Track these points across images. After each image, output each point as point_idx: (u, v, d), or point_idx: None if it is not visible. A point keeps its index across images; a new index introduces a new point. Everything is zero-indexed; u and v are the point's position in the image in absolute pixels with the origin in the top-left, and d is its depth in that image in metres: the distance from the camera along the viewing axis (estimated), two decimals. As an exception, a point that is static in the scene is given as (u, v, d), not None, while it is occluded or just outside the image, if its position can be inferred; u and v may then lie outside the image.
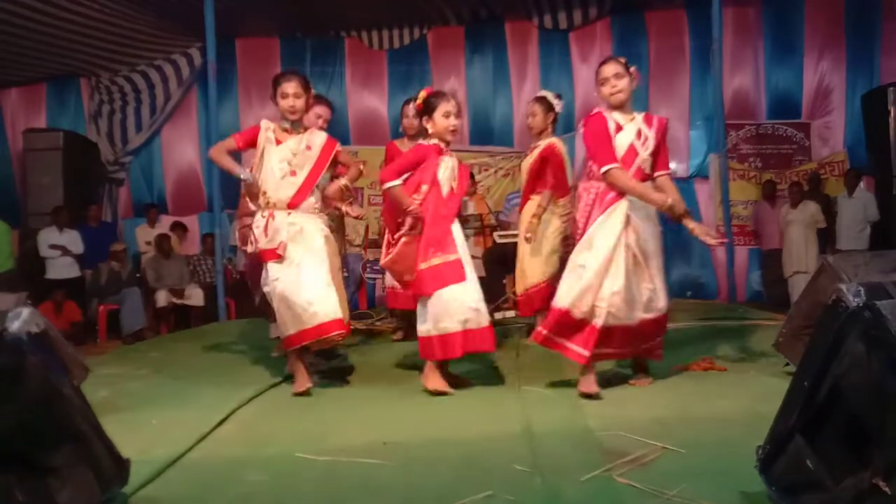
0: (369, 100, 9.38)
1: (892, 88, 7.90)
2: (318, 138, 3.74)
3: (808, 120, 9.04)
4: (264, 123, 3.71)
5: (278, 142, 3.65)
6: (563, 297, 3.33)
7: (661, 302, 3.42)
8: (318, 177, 3.69)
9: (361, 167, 3.94)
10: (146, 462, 2.34)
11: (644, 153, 3.39)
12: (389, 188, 3.53)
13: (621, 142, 3.39)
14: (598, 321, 3.25)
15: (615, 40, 9.04)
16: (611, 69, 3.41)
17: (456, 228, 3.61)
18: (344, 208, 3.97)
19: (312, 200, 3.68)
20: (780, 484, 1.82)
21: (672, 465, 2.29)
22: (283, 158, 3.63)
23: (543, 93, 4.82)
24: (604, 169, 3.34)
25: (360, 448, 2.59)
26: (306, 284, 3.53)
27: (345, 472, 2.38)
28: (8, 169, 9.12)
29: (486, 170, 9.01)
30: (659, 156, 3.48)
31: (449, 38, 9.30)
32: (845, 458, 1.61)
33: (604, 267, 3.26)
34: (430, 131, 3.62)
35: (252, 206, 3.74)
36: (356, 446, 2.62)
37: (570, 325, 3.31)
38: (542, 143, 4.65)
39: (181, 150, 9.45)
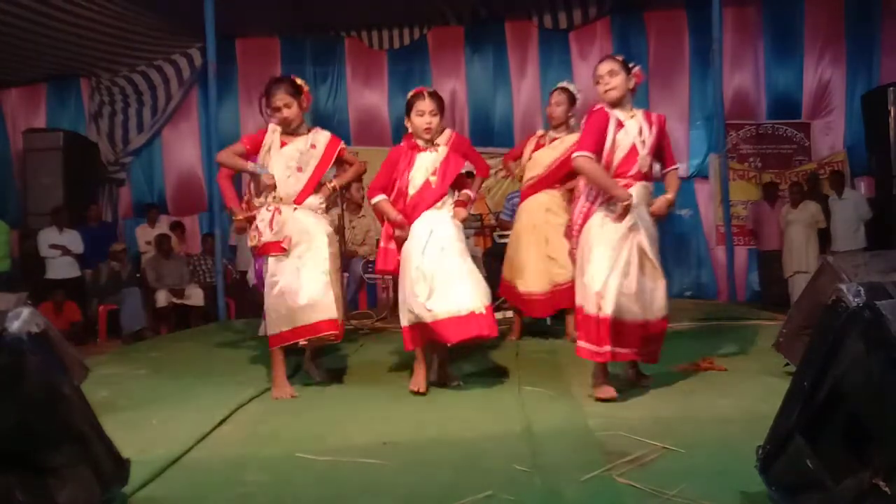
0: (369, 100, 9.37)
1: (892, 88, 7.91)
2: (323, 137, 3.76)
3: (808, 120, 9.04)
4: (271, 127, 3.74)
5: (283, 143, 3.69)
6: (579, 298, 3.30)
7: (664, 302, 3.34)
8: (322, 174, 3.72)
9: (365, 167, 3.96)
10: (146, 462, 2.34)
11: (643, 151, 3.35)
12: (375, 204, 3.70)
13: (623, 141, 3.33)
14: (608, 314, 3.13)
15: (615, 40, 9.03)
16: (605, 67, 3.39)
17: (431, 216, 3.57)
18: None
19: (317, 200, 3.71)
20: (780, 484, 1.82)
21: (672, 465, 2.29)
22: (290, 157, 3.66)
23: (566, 84, 4.79)
24: (575, 154, 3.30)
25: (360, 448, 2.59)
26: (305, 282, 3.54)
27: (345, 472, 2.38)
28: (8, 169, 9.12)
29: (487, 170, 8.99)
30: (664, 152, 3.49)
31: (449, 38, 9.30)
32: (845, 458, 1.61)
33: (610, 264, 3.18)
34: (409, 130, 3.69)
35: (256, 202, 3.72)
36: (356, 446, 2.62)
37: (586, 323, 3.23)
38: (570, 139, 4.50)
39: (182, 151, 9.45)
